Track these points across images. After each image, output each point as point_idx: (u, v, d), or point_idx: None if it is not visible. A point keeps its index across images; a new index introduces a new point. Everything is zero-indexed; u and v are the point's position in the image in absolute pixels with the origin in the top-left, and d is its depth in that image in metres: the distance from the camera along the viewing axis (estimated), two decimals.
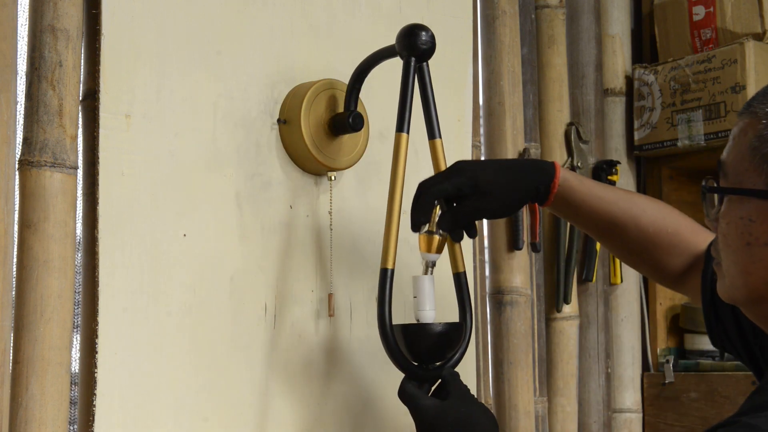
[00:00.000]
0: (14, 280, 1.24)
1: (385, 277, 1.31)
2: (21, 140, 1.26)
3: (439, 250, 1.33)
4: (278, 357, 1.44)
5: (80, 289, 1.34)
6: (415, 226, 1.32)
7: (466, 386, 1.29)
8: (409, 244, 1.47)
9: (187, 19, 1.39)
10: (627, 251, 1.39)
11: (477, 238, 1.85)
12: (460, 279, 1.38)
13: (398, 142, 1.35)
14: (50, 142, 1.26)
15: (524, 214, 1.92)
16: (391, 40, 1.39)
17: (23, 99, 1.27)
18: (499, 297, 1.89)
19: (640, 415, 2.21)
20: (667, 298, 2.29)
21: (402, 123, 1.35)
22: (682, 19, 2.20)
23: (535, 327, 1.99)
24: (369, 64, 1.43)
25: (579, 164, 2.07)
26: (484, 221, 1.90)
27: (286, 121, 1.45)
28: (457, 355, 1.34)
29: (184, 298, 1.35)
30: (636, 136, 2.22)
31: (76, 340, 1.34)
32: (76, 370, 1.35)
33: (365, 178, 1.56)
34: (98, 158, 1.29)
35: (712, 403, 2.12)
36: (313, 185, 1.50)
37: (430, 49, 1.36)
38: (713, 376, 2.13)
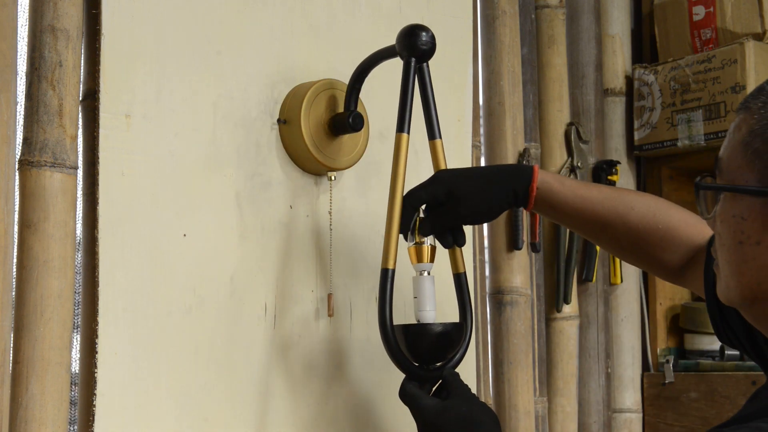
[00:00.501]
0: (14, 280, 1.24)
1: (386, 278, 1.31)
2: (21, 140, 1.26)
3: (431, 259, 1.34)
4: (278, 357, 1.44)
5: (80, 289, 1.34)
6: (404, 236, 1.34)
7: (466, 385, 1.29)
8: None
9: (187, 20, 1.39)
10: (620, 248, 1.38)
11: (477, 239, 1.85)
12: (460, 279, 1.38)
13: (398, 142, 1.35)
14: (50, 142, 1.26)
15: (524, 214, 1.91)
16: (391, 40, 1.39)
17: (23, 99, 1.27)
18: (499, 297, 1.89)
19: (640, 415, 2.21)
20: (667, 298, 2.28)
21: (402, 123, 1.35)
22: (682, 19, 2.20)
23: (535, 327, 1.99)
24: (369, 64, 1.43)
25: (579, 164, 2.07)
26: (484, 225, 1.90)
27: (286, 121, 1.45)
28: (457, 356, 1.34)
29: (184, 298, 1.35)
30: (636, 136, 2.22)
31: (76, 340, 1.34)
32: (76, 370, 1.35)
33: (365, 178, 1.56)
34: (98, 158, 1.29)
35: (712, 403, 2.12)
36: (313, 185, 1.50)
37: (431, 49, 1.36)
38: (713, 376, 2.13)
